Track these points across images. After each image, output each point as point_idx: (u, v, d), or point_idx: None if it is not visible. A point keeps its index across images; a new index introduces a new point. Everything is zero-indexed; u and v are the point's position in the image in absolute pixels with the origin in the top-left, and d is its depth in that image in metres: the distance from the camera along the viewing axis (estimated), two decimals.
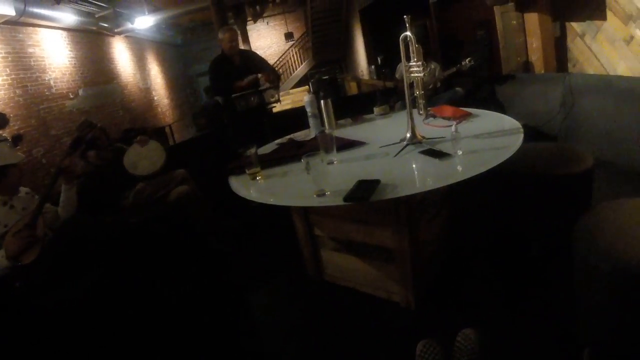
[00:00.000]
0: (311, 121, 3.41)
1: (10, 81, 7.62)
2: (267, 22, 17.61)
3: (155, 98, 14.58)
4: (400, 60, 2.61)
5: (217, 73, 4.75)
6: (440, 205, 3.01)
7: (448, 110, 3.24)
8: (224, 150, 4.18)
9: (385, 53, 6.04)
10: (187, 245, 3.81)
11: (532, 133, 2.44)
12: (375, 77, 10.25)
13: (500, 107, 5.56)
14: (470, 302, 2.63)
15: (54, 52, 9.16)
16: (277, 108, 5.50)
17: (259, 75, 4.59)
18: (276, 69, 5.61)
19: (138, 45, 13.96)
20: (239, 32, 4.82)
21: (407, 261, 2.57)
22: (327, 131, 2.96)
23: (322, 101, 3.34)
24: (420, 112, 2.81)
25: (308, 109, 3.37)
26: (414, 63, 2.58)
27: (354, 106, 4.20)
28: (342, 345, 2.54)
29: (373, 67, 10.94)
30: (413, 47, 2.54)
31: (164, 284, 3.35)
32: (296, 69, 17.58)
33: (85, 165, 3.82)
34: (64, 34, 9.66)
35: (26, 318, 2.52)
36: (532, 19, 6.15)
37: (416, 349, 2.01)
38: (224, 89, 4.63)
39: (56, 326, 2.54)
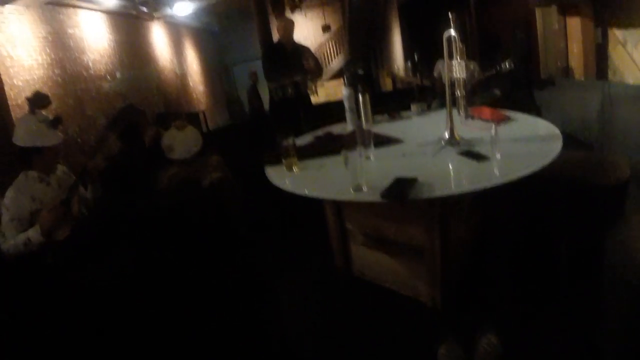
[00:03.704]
0: (348, 115, 3.40)
1: (49, 61, 7.73)
2: (305, 14, 17.56)
3: (191, 84, 14.68)
4: (437, 58, 2.60)
5: (268, 59, 4.80)
6: (473, 206, 2.99)
7: (487, 112, 3.20)
8: (260, 138, 4.21)
9: (422, 49, 6.00)
10: (217, 232, 3.84)
11: (567, 140, 2.39)
12: (411, 74, 10.19)
13: (537, 112, 5.47)
14: (495, 305, 2.60)
15: (93, 34, 9.26)
16: (312, 99, 5.52)
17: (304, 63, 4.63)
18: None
19: (176, 31, 14.06)
20: (294, 22, 4.89)
21: (437, 261, 2.56)
22: (364, 126, 2.95)
23: (360, 95, 3.33)
24: (460, 112, 2.78)
25: (346, 103, 3.36)
26: (456, 62, 2.56)
27: (390, 102, 4.18)
28: (365, 342, 2.54)
29: (409, 63, 10.86)
30: (456, 46, 2.52)
31: (192, 267, 3.39)
32: (331, 62, 17.50)
33: (122, 146, 3.88)
34: (103, 16, 9.76)
35: (57, 293, 2.57)
36: (574, 24, 6.03)
37: (438, 351, 2.01)
38: (273, 75, 4.69)
39: (85, 302, 2.59)
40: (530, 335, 2.31)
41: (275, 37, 4.88)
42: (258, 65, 5.40)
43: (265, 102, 9.26)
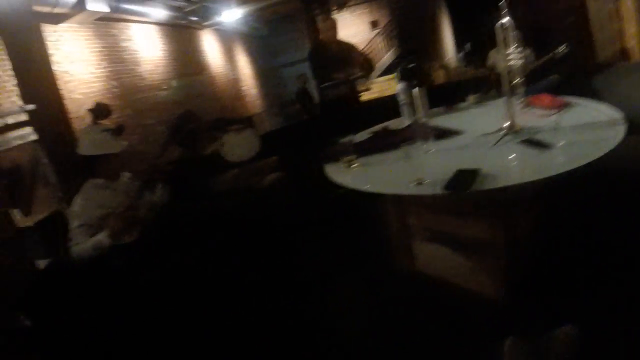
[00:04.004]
0: (404, 110, 3.39)
1: (107, 73, 8.07)
2: (352, 11, 17.54)
3: (244, 88, 14.94)
4: (490, 47, 2.55)
5: (315, 60, 4.83)
6: (536, 197, 2.92)
7: (545, 99, 3.12)
8: (315, 139, 4.23)
9: (473, 40, 5.91)
10: (276, 233, 3.88)
11: (629, 125, 2.31)
12: (463, 65, 10.07)
13: (595, 97, 5.29)
14: (564, 300, 2.47)
15: (146, 46, 9.58)
16: (363, 97, 5.51)
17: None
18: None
19: (226, 37, 14.32)
20: (336, 21, 4.92)
21: (502, 254, 2.50)
22: (421, 120, 2.94)
23: (414, 89, 3.30)
24: (519, 100, 2.73)
25: (400, 98, 3.35)
26: (511, 50, 2.51)
27: (444, 95, 4.13)
28: (429, 339, 2.50)
29: (461, 54, 10.73)
30: (511, 33, 2.48)
31: (251, 268, 3.44)
32: (381, 58, 17.40)
33: (183, 152, 3.99)
34: (155, 28, 10.08)
35: (125, 295, 2.66)
36: (628, 4, 5.80)
37: (504, 346, 1.97)
38: (322, 75, 4.71)
39: (153, 304, 2.67)
40: (601, 330, 2.24)
41: (324, 37, 4.89)
42: (307, 67, 5.42)
43: (317, 102, 9.31)
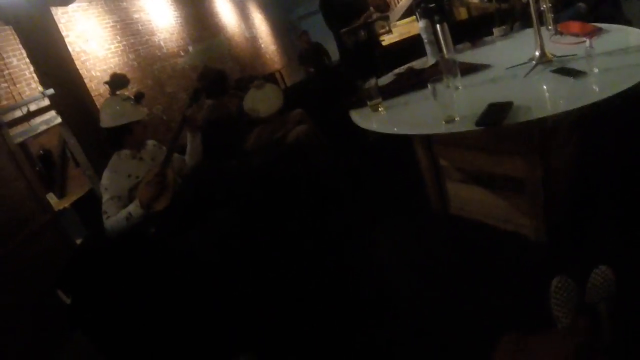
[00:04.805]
0: (428, 48, 3.27)
1: (122, 47, 8.05)
2: None
3: (262, 45, 14.78)
4: None
5: (327, 9, 4.69)
6: (572, 131, 2.81)
7: (575, 26, 2.97)
8: (335, 88, 4.14)
9: None
10: (307, 184, 3.86)
11: None
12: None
13: (627, 24, 5.05)
14: (604, 237, 2.40)
15: (159, 14, 9.49)
16: (385, 41, 5.36)
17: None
18: None
19: None
20: None
21: (539, 191, 2.42)
22: (447, 56, 2.83)
23: (437, 26, 3.17)
24: (549, 27, 2.60)
25: (424, 36, 3.23)
26: None
27: (468, 31, 3.99)
28: (468, 281, 2.47)
29: None
30: None
31: (287, 222, 3.43)
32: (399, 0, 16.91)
33: (208, 113, 3.97)
34: None
35: (161, 261, 2.67)
36: None
37: (551, 284, 1.91)
38: (336, 24, 4.58)
39: (188, 268, 2.68)
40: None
41: None
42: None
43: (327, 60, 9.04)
